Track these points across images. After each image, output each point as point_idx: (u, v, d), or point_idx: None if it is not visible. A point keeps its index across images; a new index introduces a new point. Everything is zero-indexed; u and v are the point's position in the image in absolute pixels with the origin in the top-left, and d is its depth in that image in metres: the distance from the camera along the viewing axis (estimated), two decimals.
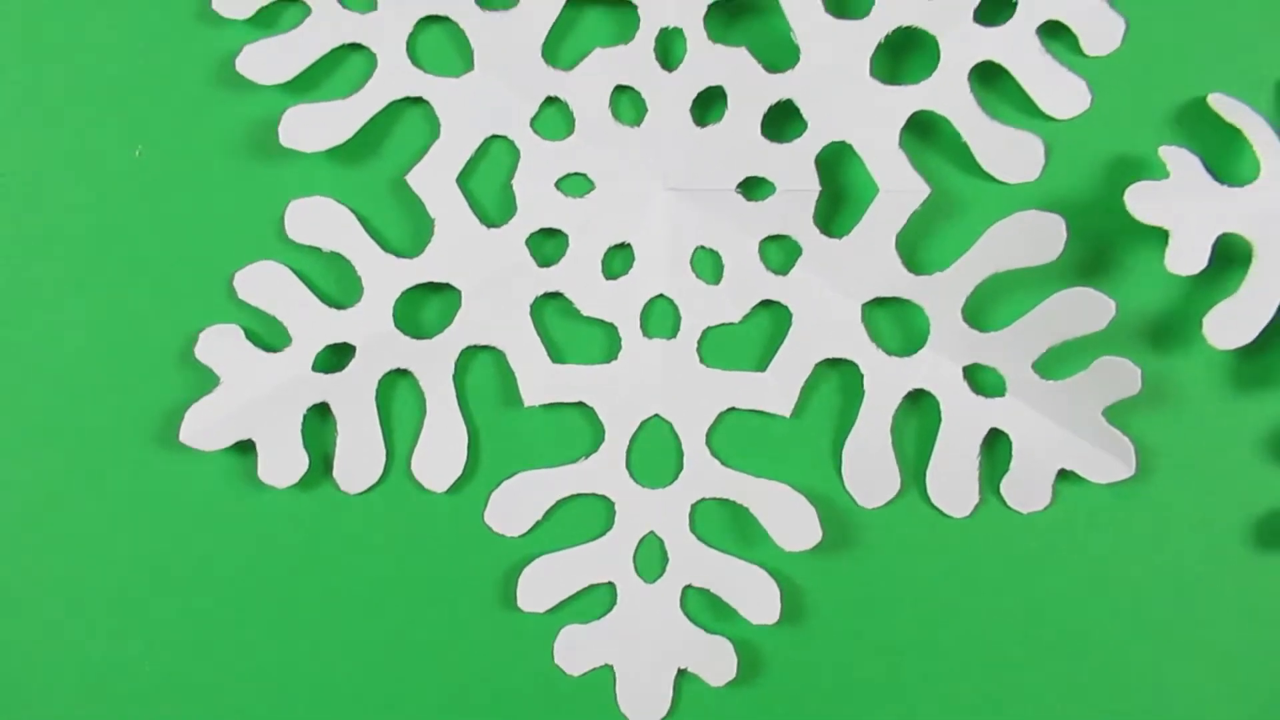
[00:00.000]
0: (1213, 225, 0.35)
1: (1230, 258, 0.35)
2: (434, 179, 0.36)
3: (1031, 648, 0.36)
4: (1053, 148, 0.36)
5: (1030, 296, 0.36)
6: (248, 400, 0.36)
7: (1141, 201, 0.35)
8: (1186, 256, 0.35)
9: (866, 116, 0.36)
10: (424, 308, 0.37)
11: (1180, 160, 0.36)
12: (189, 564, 0.37)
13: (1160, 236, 0.35)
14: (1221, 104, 0.36)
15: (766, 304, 0.37)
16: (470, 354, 0.37)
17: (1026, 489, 0.36)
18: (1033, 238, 0.35)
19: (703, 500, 0.37)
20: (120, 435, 0.37)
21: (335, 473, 0.36)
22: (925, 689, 0.37)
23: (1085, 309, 0.35)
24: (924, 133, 0.36)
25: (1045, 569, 0.36)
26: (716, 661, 0.36)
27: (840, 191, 0.36)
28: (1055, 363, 0.36)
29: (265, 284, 0.36)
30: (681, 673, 0.36)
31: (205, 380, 0.36)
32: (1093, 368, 0.35)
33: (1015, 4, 0.36)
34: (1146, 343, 0.36)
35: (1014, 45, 0.36)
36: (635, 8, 0.36)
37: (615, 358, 0.37)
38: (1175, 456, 0.36)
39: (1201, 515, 0.36)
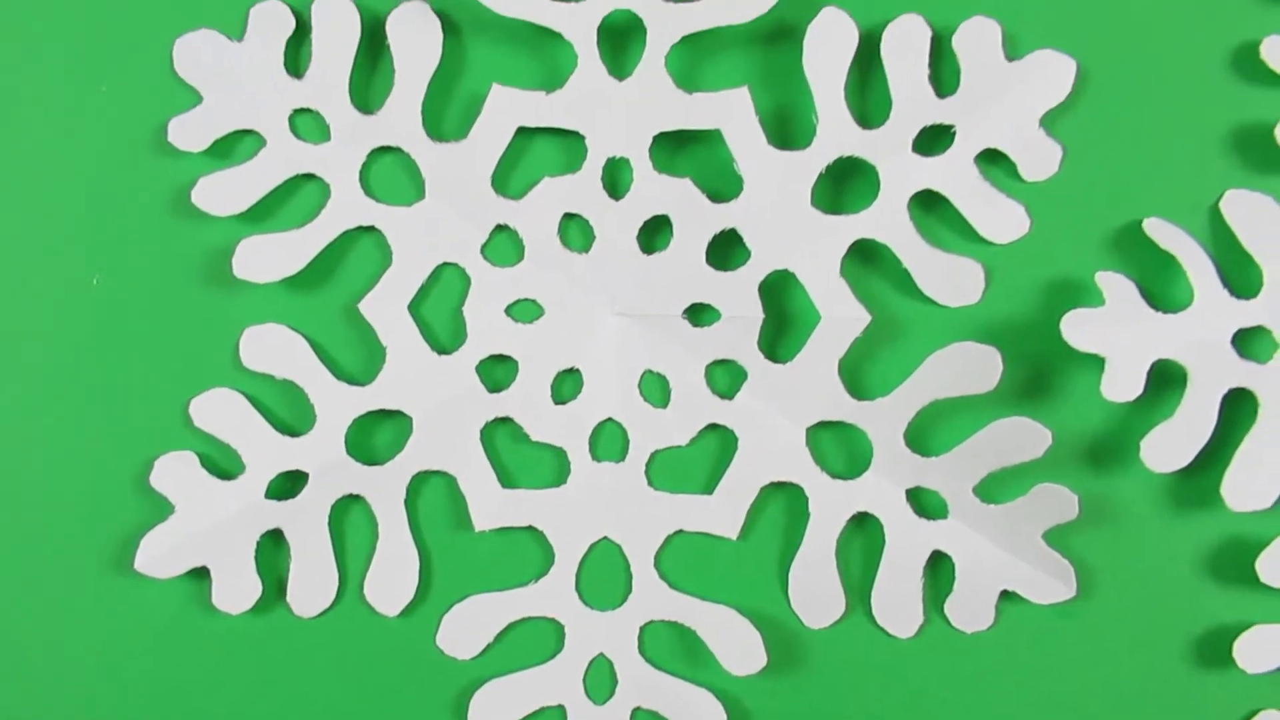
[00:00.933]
0: (1148, 352, 0.36)
1: (1167, 380, 0.36)
2: (386, 307, 0.37)
3: None
4: (993, 272, 0.37)
5: (971, 421, 0.36)
6: (202, 528, 0.37)
7: (1077, 330, 0.36)
8: (1122, 384, 0.36)
9: (808, 245, 0.37)
10: (376, 434, 0.37)
11: (1116, 286, 0.36)
12: (144, 690, 0.37)
13: (1099, 358, 0.36)
14: (1156, 229, 0.37)
15: (713, 427, 0.37)
16: (422, 479, 0.37)
17: (970, 609, 0.37)
18: (970, 368, 0.36)
19: (651, 622, 0.37)
20: (75, 562, 0.37)
21: (289, 597, 0.37)
22: None
23: (1023, 438, 0.36)
24: (866, 258, 0.37)
25: (990, 687, 0.37)
26: None
27: (784, 318, 0.37)
28: (995, 487, 0.36)
29: (220, 411, 0.37)
30: None
31: (160, 507, 0.37)
32: (1032, 494, 0.36)
33: (953, 134, 0.37)
34: (1086, 463, 0.37)
35: (953, 173, 0.37)
36: (583, 138, 0.37)
37: (565, 481, 0.37)
38: (1116, 576, 0.37)
39: (1142, 634, 0.37)
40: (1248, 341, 0.36)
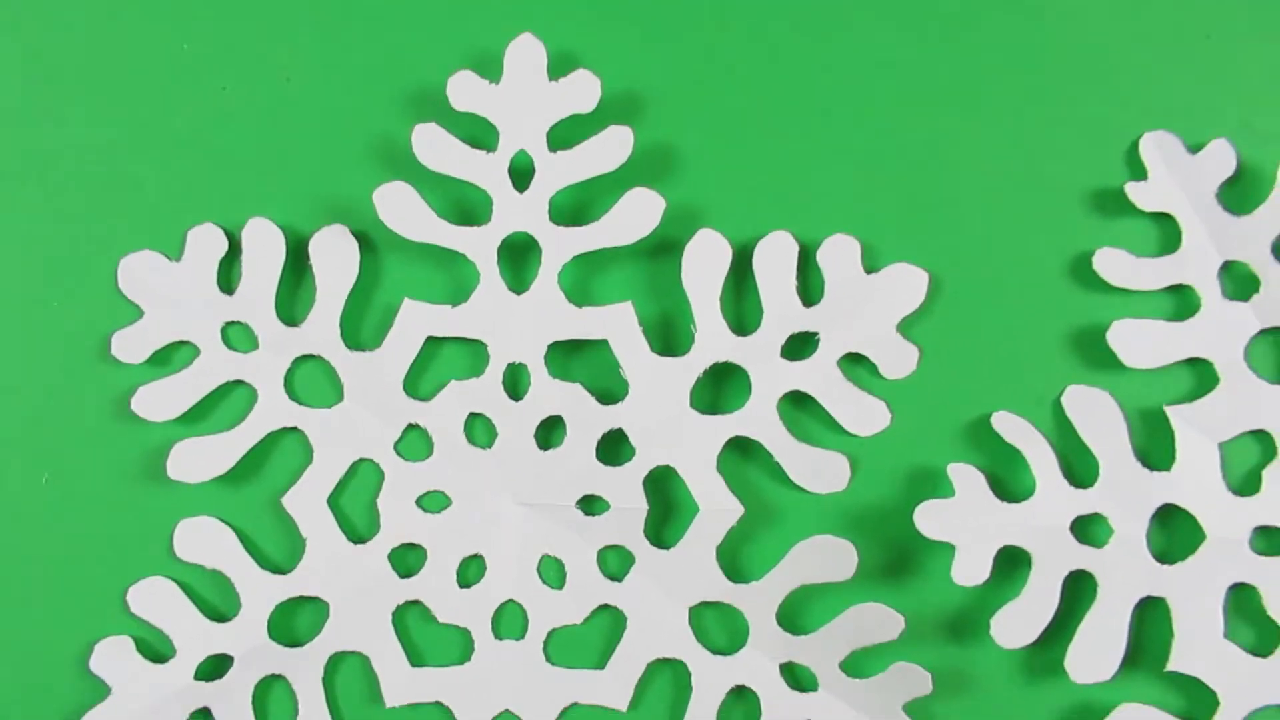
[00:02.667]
0: (993, 540, 0.40)
1: (1014, 562, 0.40)
2: (307, 500, 0.41)
3: None
4: (857, 462, 0.41)
5: (838, 601, 0.40)
6: (136, 709, 0.40)
7: (930, 520, 0.40)
8: (970, 569, 0.39)
9: (688, 443, 0.40)
10: (296, 618, 0.41)
11: (966, 478, 0.40)
12: None
13: None
14: (1003, 423, 0.41)
15: (605, 607, 0.41)
16: (338, 659, 0.41)
17: None
18: (829, 558, 0.40)
19: None
20: None
21: None
22: None
23: (879, 621, 0.39)
24: (742, 452, 0.41)
25: None
26: None
27: (668, 508, 0.41)
28: (860, 663, 0.40)
29: (154, 599, 0.41)
30: None
31: (98, 689, 0.40)
32: (890, 670, 0.39)
33: (818, 339, 0.41)
34: (946, 637, 0.40)
35: (819, 375, 0.41)
36: (485, 346, 0.41)
37: (469, 659, 0.41)
38: None
39: None
40: (1086, 527, 0.40)
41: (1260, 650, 0.40)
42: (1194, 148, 0.41)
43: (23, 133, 0.42)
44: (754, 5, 0.43)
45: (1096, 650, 0.39)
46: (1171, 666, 0.39)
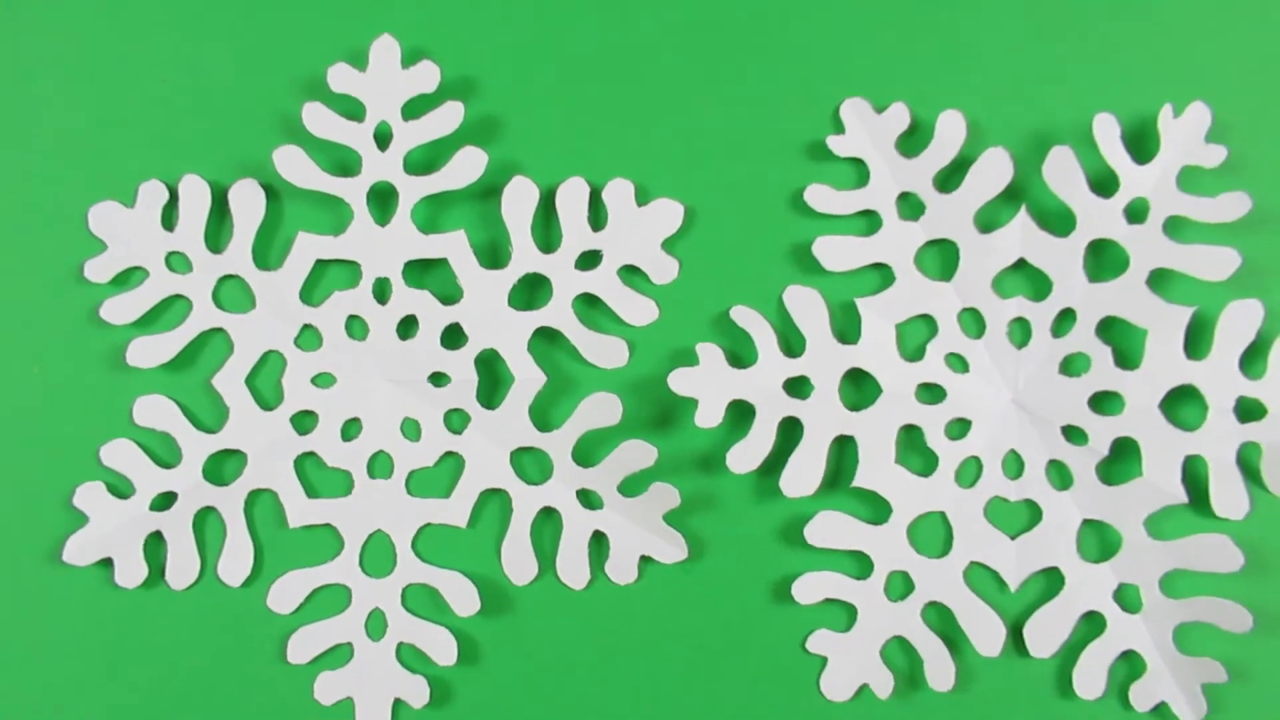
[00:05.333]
0: (725, 395, 0.54)
1: (744, 413, 0.54)
2: (230, 381, 0.55)
3: (630, 677, 0.54)
4: (634, 345, 0.55)
5: (617, 442, 0.54)
6: (107, 531, 0.54)
7: (679, 382, 0.54)
8: (708, 416, 0.54)
9: (507, 332, 0.55)
10: (224, 465, 0.55)
11: (708, 352, 0.54)
12: (69, 640, 0.55)
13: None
14: (740, 314, 0.55)
15: (450, 454, 0.55)
16: (255, 494, 0.55)
17: (621, 568, 0.54)
18: (602, 408, 0.54)
19: (410, 585, 0.55)
20: (22, 554, 0.55)
21: (166, 577, 0.54)
22: (566, 707, 0.54)
23: (641, 453, 0.54)
24: (549, 339, 0.55)
25: (637, 622, 0.54)
26: (418, 692, 0.54)
27: (494, 380, 0.55)
28: (631, 485, 0.54)
29: (119, 453, 0.55)
30: (397, 701, 0.54)
31: (79, 518, 0.55)
32: (650, 490, 0.54)
33: (603, 256, 0.55)
34: (699, 468, 0.55)
35: (603, 281, 0.55)
36: (359, 265, 0.55)
37: (350, 493, 0.55)
38: (719, 543, 0.55)
39: (737, 582, 0.54)
40: (795, 386, 0.55)
41: (923, 472, 0.54)
42: (880, 109, 0.56)
43: (12, 111, 0.57)
44: (556, 13, 0.57)
45: (803, 474, 0.54)
46: (856, 484, 0.54)
